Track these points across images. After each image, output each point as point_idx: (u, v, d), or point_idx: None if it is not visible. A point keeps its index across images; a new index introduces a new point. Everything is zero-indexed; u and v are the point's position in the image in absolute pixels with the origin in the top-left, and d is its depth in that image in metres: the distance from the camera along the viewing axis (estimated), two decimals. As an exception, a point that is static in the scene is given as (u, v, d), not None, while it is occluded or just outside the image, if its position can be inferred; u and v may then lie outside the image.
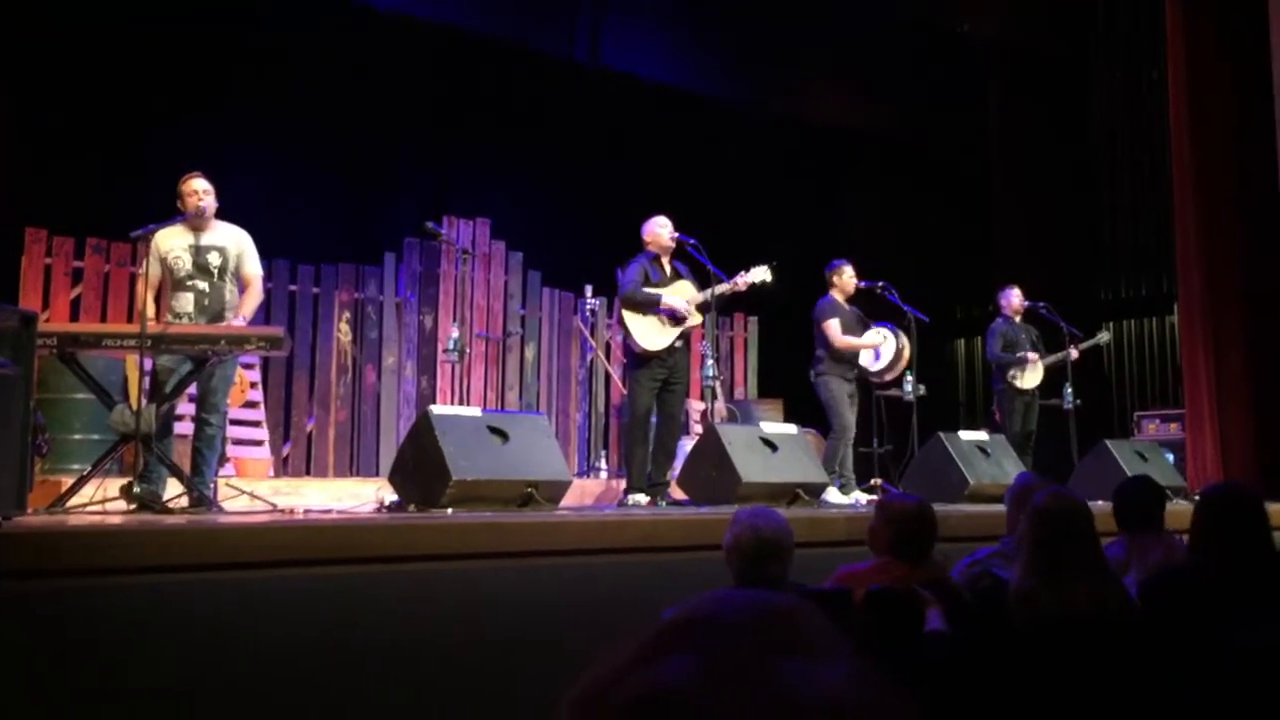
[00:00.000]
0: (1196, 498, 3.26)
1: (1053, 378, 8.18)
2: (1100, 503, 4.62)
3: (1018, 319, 8.22)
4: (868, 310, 7.43)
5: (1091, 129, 11.33)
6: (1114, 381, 11.01)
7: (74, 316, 7.19)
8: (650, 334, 6.10)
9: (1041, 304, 8.20)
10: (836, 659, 0.57)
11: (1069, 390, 8.07)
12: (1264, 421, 7.96)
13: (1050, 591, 2.36)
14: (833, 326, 7.05)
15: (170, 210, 5.18)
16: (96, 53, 7.70)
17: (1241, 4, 8.38)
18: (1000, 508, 4.17)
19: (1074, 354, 8.16)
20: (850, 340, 7.04)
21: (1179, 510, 4.36)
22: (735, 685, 0.54)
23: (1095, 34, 11.22)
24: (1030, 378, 8.07)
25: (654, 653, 0.57)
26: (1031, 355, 8.03)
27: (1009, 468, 6.94)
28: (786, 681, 0.54)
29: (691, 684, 0.55)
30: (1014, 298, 8.24)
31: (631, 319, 6.12)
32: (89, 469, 4.79)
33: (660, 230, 6.28)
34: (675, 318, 6.13)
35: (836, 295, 7.22)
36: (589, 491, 7.36)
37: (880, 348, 7.17)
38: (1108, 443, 7.43)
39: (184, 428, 5.70)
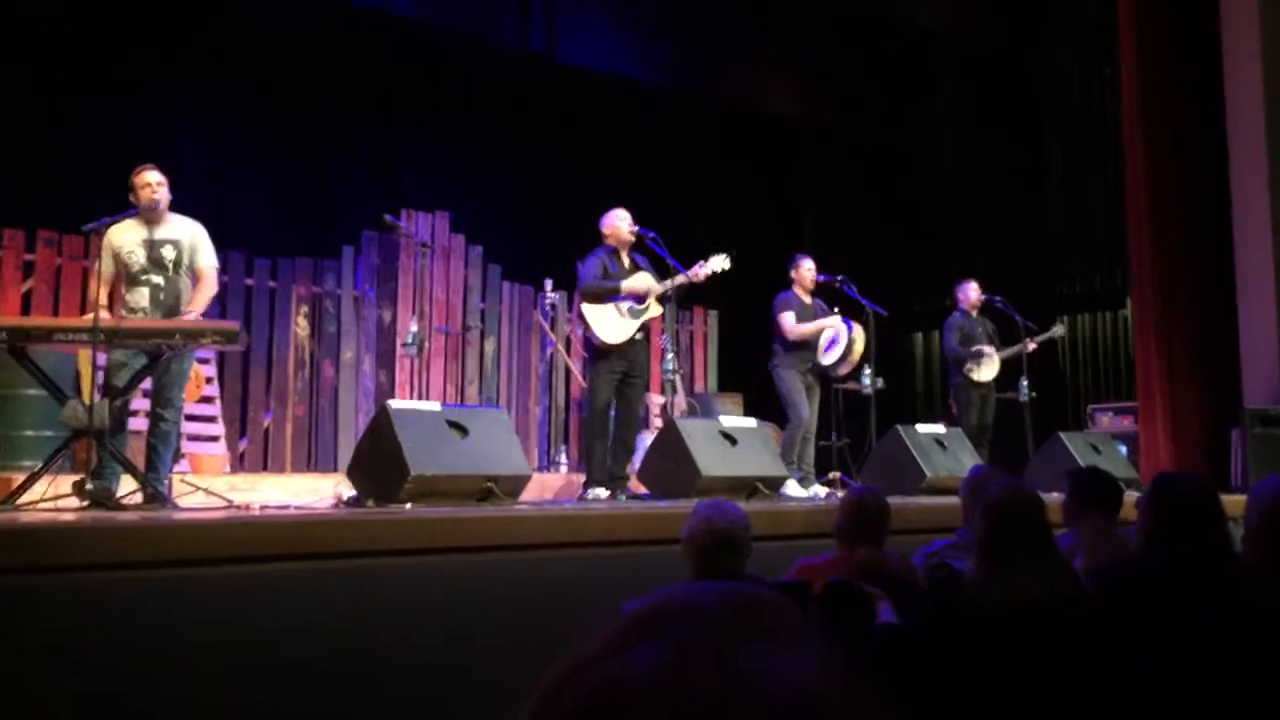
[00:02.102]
0: (1148, 487, 3.30)
1: (1008, 371, 8.27)
2: (1054, 494, 4.68)
3: (974, 313, 8.30)
4: (828, 304, 7.46)
5: (1044, 123, 11.44)
6: (1068, 375, 11.14)
7: (25, 310, 7.08)
8: (610, 327, 6.09)
9: (997, 298, 8.29)
10: (805, 650, 0.57)
11: (1024, 383, 8.16)
12: (1214, 414, 8.08)
13: (1004, 581, 2.39)
14: (787, 318, 7.10)
15: (123, 203, 5.11)
16: (44, 42, 7.59)
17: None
18: (957, 500, 4.21)
19: (1030, 347, 8.26)
20: (804, 327, 7.06)
21: (1130, 501, 4.42)
22: (704, 674, 0.55)
23: (1047, 27, 11.33)
24: (986, 371, 8.16)
25: (622, 643, 0.58)
26: (987, 349, 8.12)
27: (965, 460, 7.00)
28: (754, 671, 0.55)
29: (659, 672, 0.55)
30: (971, 291, 8.32)
31: (591, 312, 6.12)
32: (41, 465, 4.73)
33: (619, 223, 6.28)
34: (639, 302, 6.13)
35: (797, 289, 7.27)
36: (549, 486, 7.35)
37: (833, 339, 7.20)
38: (1062, 435, 7.52)
39: (138, 423, 5.63)
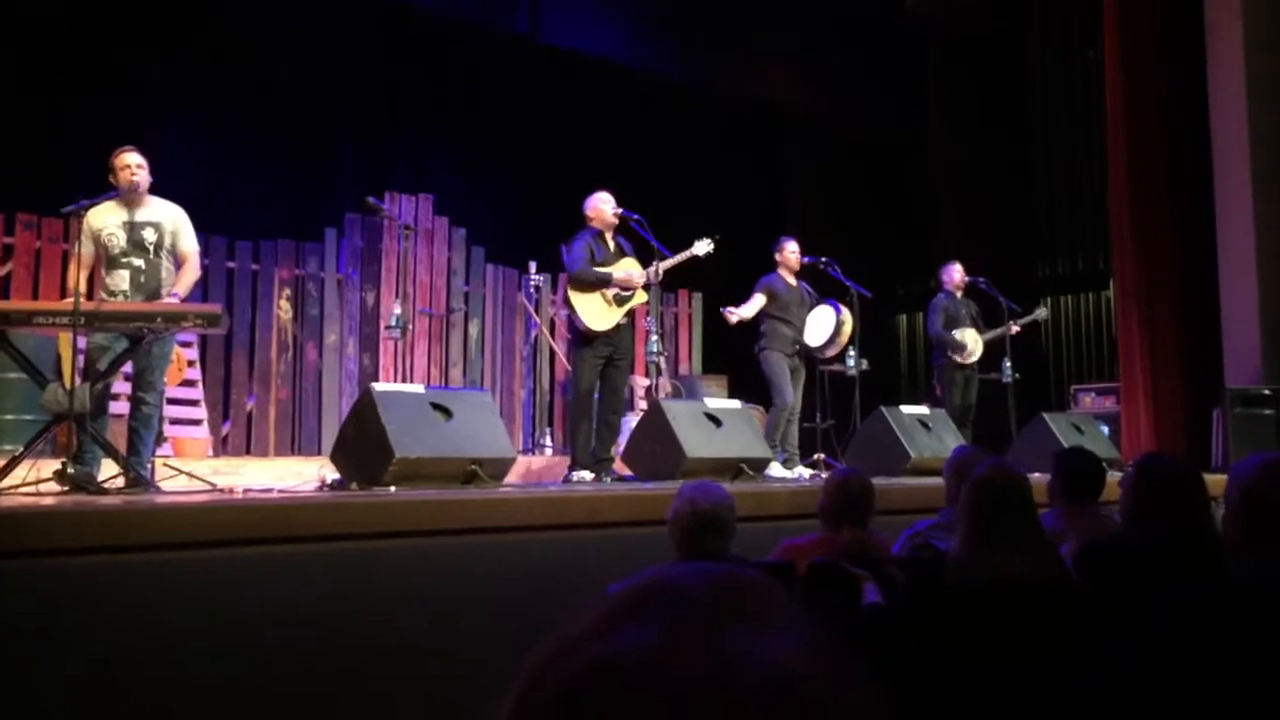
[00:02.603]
0: (1129, 468, 3.32)
1: (992, 352, 8.30)
2: (1036, 474, 4.70)
3: (958, 294, 8.32)
4: (813, 286, 7.47)
5: (1028, 106, 11.46)
6: (1051, 356, 11.19)
7: (4, 294, 7.03)
8: (596, 314, 6.09)
9: (981, 279, 8.31)
10: (791, 630, 0.57)
11: (1008, 364, 8.20)
12: (1195, 394, 8.13)
13: (987, 561, 2.40)
14: (754, 300, 7.08)
15: (103, 185, 5.07)
16: (22, 22, 7.50)
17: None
18: (940, 480, 4.23)
19: (1013, 329, 8.30)
20: (744, 310, 7.04)
21: (1112, 481, 4.44)
22: (691, 655, 0.54)
23: (1032, 12, 11.34)
24: (970, 352, 8.19)
25: (608, 625, 0.57)
26: (969, 341, 8.12)
27: (949, 441, 7.02)
28: (740, 652, 0.55)
29: (646, 654, 0.55)
30: (955, 273, 8.34)
31: (578, 298, 6.11)
32: (21, 450, 4.69)
33: (603, 206, 6.26)
34: (626, 290, 6.13)
35: (782, 271, 7.27)
36: (533, 468, 7.36)
37: (818, 324, 7.22)
38: (1045, 415, 7.55)
39: (120, 407, 5.60)
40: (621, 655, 0.55)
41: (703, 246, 6.41)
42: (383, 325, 8.29)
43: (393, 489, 4.57)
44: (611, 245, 6.28)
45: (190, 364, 7.35)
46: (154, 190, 5.17)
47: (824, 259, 7.43)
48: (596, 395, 6.24)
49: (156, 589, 3.14)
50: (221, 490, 4.74)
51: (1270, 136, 8.10)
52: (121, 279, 5.03)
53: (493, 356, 9.28)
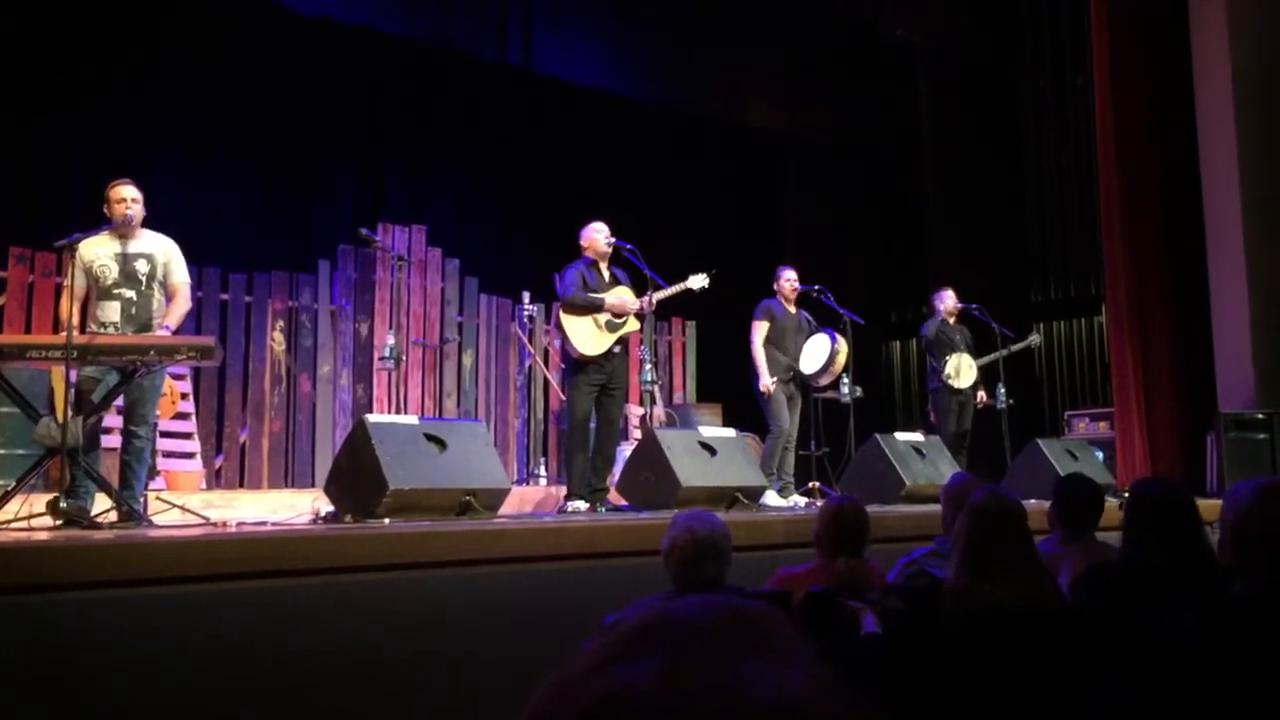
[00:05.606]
0: (1126, 494, 3.32)
1: (986, 378, 8.31)
2: (1033, 501, 4.70)
3: (951, 320, 8.34)
4: (812, 315, 7.48)
5: (1021, 133, 11.53)
6: (1045, 381, 11.19)
7: (-3, 328, 7.02)
8: (588, 339, 6.09)
9: (975, 306, 8.33)
10: (798, 663, 0.57)
11: (1001, 390, 8.20)
12: (1189, 419, 8.14)
13: (983, 588, 2.39)
14: (758, 330, 7.12)
15: (96, 219, 5.07)
16: (15, 56, 7.53)
17: (1163, 11, 8.58)
18: (936, 508, 4.22)
19: (1002, 354, 8.34)
20: (758, 356, 7.08)
21: (1111, 507, 4.43)
22: (698, 688, 0.54)
23: (1022, 40, 11.43)
24: (964, 378, 8.20)
25: (616, 657, 0.57)
26: (962, 367, 8.13)
27: (944, 468, 7.02)
28: (749, 684, 0.55)
29: (654, 686, 0.54)
30: (948, 299, 8.36)
31: (569, 322, 6.11)
32: (14, 484, 4.67)
33: (597, 235, 6.28)
34: (618, 316, 6.13)
35: (780, 299, 7.29)
36: (528, 499, 7.33)
37: (813, 352, 7.23)
38: (1039, 442, 7.56)
39: (112, 441, 5.58)
40: (631, 688, 0.54)
41: (698, 281, 6.44)
42: (376, 356, 8.28)
43: (387, 521, 4.55)
44: (606, 274, 6.29)
45: (183, 396, 7.32)
46: (148, 223, 5.18)
47: (817, 287, 7.45)
48: (592, 425, 6.23)
49: (149, 623, 3.12)
50: (214, 524, 4.71)
51: (1259, 162, 8.16)
52: (112, 310, 5.02)
53: (487, 387, 9.27)
